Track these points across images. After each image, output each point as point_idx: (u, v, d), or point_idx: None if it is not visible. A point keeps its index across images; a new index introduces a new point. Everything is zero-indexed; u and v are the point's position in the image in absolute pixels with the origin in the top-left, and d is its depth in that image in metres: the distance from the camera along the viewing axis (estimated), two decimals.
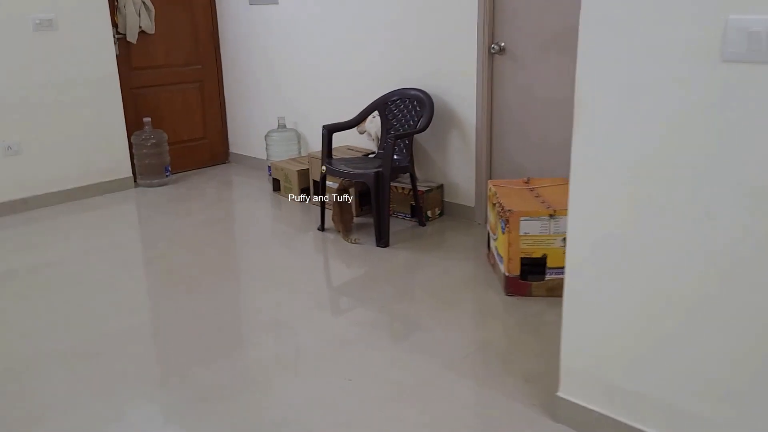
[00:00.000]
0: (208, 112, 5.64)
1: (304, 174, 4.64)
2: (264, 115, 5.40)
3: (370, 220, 4.24)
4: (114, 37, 4.87)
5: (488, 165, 4.02)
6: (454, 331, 2.78)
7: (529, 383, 2.39)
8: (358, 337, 2.75)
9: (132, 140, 5.05)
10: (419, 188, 4.08)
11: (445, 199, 4.27)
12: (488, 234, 3.50)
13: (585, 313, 2.01)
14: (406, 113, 4.10)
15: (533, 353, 2.59)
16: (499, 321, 2.86)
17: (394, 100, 4.16)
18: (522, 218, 2.97)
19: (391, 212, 4.29)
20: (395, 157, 4.06)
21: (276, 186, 4.89)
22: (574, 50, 3.48)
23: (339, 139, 4.67)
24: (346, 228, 3.98)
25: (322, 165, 3.95)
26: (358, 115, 4.21)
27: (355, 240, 3.84)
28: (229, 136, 5.83)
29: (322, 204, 4.06)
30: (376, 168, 3.76)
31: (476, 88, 3.89)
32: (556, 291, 3.04)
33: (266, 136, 5.07)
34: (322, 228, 4.07)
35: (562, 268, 3.00)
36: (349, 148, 4.59)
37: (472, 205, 4.13)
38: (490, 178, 4.05)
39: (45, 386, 2.46)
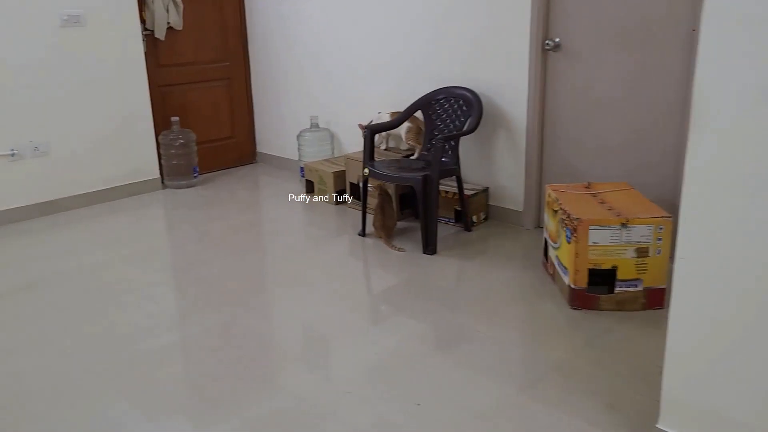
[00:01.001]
0: (236, 111, 5.46)
1: (340, 176, 4.46)
2: (295, 114, 5.22)
3: (411, 224, 4.05)
4: (142, 33, 4.70)
5: (539, 168, 3.83)
6: (519, 348, 2.59)
7: (615, 411, 2.20)
8: (417, 354, 2.57)
9: (159, 140, 4.88)
10: (465, 192, 3.89)
11: (490, 203, 4.08)
12: (545, 241, 3.31)
13: (694, 336, 1.82)
14: (451, 113, 3.91)
15: (612, 375, 2.40)
16: (567, 337, 2.67)
17: (438, 100, 3.97)
18: (591, 227, 2.78)
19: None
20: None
21: (309, 188, 4.71)
22: (637, 47, 3.28)
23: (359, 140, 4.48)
24: (388, 234, 3.80)
25: (364, 167, 3.77)
26: (401, 114, 4.02)
27: (399, 248, 3.65)
28: (256, 136, 5.65)
29: (364, 208, 3.87)
30: (423, 171, 3.57)
31: (528, 87, 3.70)
32: (626, 305, 2.85)
33: (299, 136, 4.88)
34: (362, 233, 3.89)
35: (634, 280, 2.81)
36: (386, 149, 4.40)
37: (520, 209, 3.93)
38: (541, 182, 3.85)
39: (82, 404, 2.29)
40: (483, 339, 2.67)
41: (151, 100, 4.81)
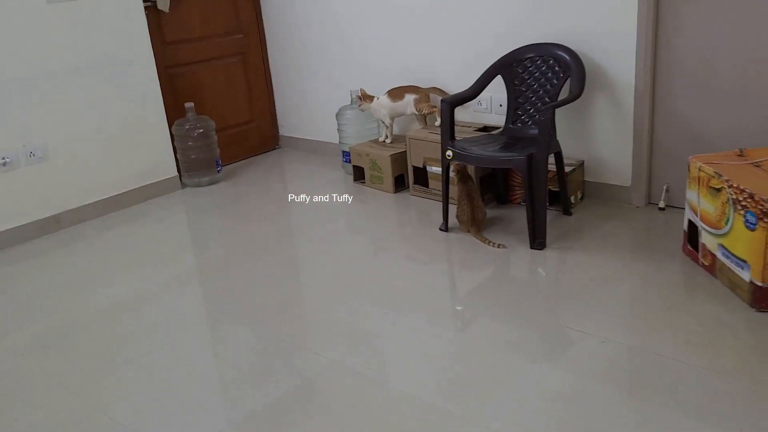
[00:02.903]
0: (253, 91, 4.73)
1: (398, 160, 3.78)
2: (327, 90, 4.51)
3: (497, 212, 3.41)
4: (142, 5, 3.92)
5: (650, 134, 3.20)
6: (711, 375, 1.98)
7: None
8: (589, 391, 1.95)
9: (173, 131, 4.14)
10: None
11: (586, 179, 3.45)
12: (688, 225, 2.70)
13: None
14: (539, 76, 3.24)
15: None
16: (762, 351, 2.08)
17: (522, 61, 3.29)
18: None
19: (518, 200, 3.47)
20: (532, 132, 3.22)
21: (357, 175, 4.03)
22: None
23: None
24: (479, 228, 3.16)
25: (445, 149, 3.10)
26: (477, 81, 3.34)
27: (499, 244, 3.01)
28: (278, 118, 4.93)
29: (446, 198, 3.21)
30: (526, 149, 2.93)
31: (637, 39, 3.05)
32: None
33: (338, 115, 4.18)
34: (445, 228, 3.24)
35: None
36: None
37: (627, 184, 3.31)
38: (652, 151, 3.23)
39: None
40: (661, 363, 2.06)
41: (160, 84, 4.06)
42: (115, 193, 3.89)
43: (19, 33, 3.38)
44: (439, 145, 3.30)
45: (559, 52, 3.16)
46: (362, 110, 3.91)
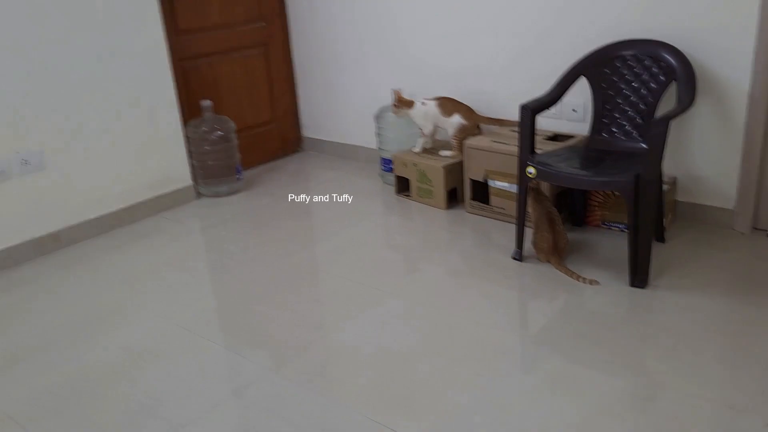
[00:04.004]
0: (275, 87, 4.20)
1: (453, 172, 3.28)
2: (361, 87, 3.98)
3: (573, 237, 2.92)
4: None
5: (763, 151, 2.72)
6: None
7: None
8: None
9: (188, 134, 3.61)
10: None
11: (678, 199, 2.97)
12: None
13: None
14: (632, 79, 2.75)
15: None
16: None
17: (611, 60, 2.79)
18: None
19: (597, 222, 2.99)
20: (624, 144, 2.73)
21: (401, 187, 3.52)
22: None
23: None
24: (562, 258, 2.68)
25: (525, 165, 2.60)
26: (558, 84, 2.84)
27: (591, 280, 2.52)
28: (301, 118, 4.40)
29: (521, 222, 2.72)
30: (631, 168, 2.44)
31: (758, 37, 2.56)
32: None
33: (378, 117, 3.66)
34: (519, 256, 2.75)
35: None
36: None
37: (730, 207, 2.84)
38: (764, 168, 2.75)
39: None
40: None
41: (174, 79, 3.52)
42: (123, 206, 3.36)
43: (7, 19, 2.83)
44: (505, 156, 2.83)
45: (661, 52, 2.67)
46: (399, 116, 3.40)
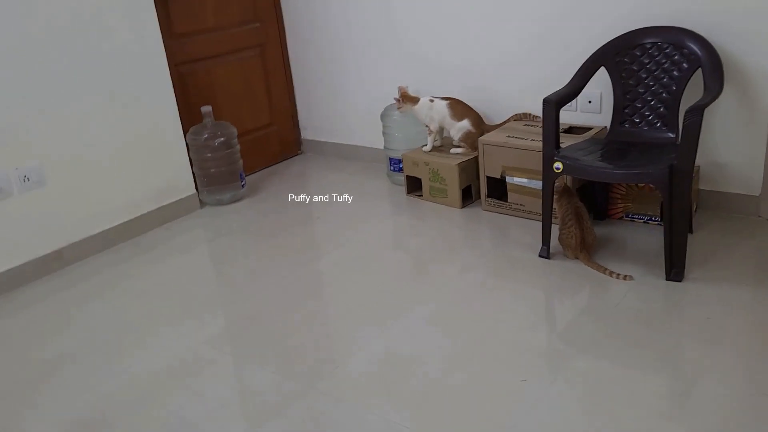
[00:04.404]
0: (273, 88, 4.08)
1: (467, 169, 3.21)
2: (363, 85, 3.88)
3: (596, 231, 2.86)
4: None
5: None
6: None
7: None
8: None
9: (188, 141, 3.48)
10: None
11: (701, 187, 2.93)
12: None
13: None
14: (655, 68, 2.69)
15: None
16: None
17: (632, 49, 2.72)
18: None
19: (620, 215, 2.93)
20: (649, 135, 2.67)
21: (412, 187, 3.44)
22: None
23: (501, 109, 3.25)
24: (590, 253, 2.61)
25: (551, 159, 2.53)
26: (577, 75, 2.77)
27: (625, 276, 2.46)
28: (299, 119, 4.29)
29: (547, 217, 2.65)
30: (664, 159, 2.38)
31: None
32: None
33: (383, 116, 3.57)
34: (546, 254, 2.68)
35: None
36: (527, 123, 3.16)
37: (756, 193, 2.80)
38: None
39: None
40: None
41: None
42: (127, 219, 3.23)
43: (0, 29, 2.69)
44: (522, 151, 2.77)
45: (684, 39, 2.61)
46: (403, 113, 3.32)
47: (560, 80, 2.84)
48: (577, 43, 2.99)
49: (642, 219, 2.88)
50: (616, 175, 2.40)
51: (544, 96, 2.55)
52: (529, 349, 2.10)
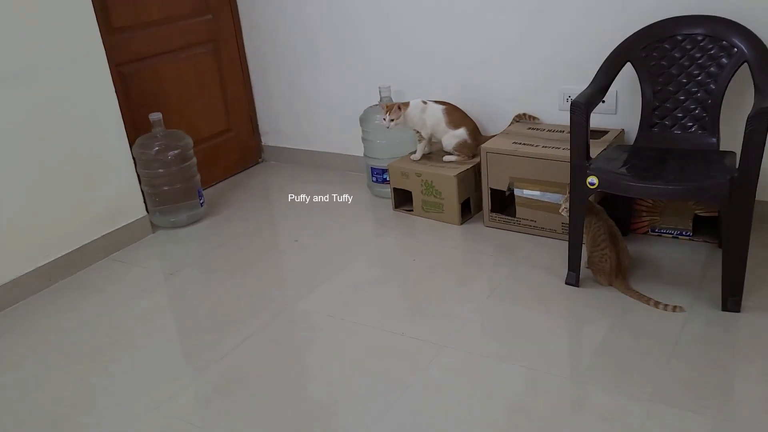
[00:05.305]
0: (229, 90, 3.57)
1: (465, 180, 2.81)
2: (334, 84, 3.43)
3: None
4: None
5: None
6: None
7: None
8: None
9: (136, 154, 2.96)
10: None
11: None
12: None
13: None
14: (688, 64, 2.35)
15: None
16: None
17: (660, 43, 2.38)
18: None
19: (645, 230, 2.60)
20: (687, 140, 2.34)
21: (401, 200, 3.02)
22: None
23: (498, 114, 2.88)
24: (626, 279, 2.27)
25: (582, 173, 2.16)
26: (601, 72, 2.40)
27: (675, 307, 2.12)
28: (260, 124, 3.79)
29: (575, 239, 2.28)
30: (721, 170, 2.05)
31: None
32: None
33: (363, 120, 3.14)
34: (575, 281, 2.31)
35: None
36: (533, 125, 2.80)
37: None
38: None
39: None
40: None
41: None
42: (66, 252, 2.69)
43: None
44: (533, 160, 2.47)
45: (722, 30, 2.28)
46: (393, 126, 2.87)
47: (567, 77, 2.48)
48: (575, 36, 2.64)
49: (670, 234, 2.55)
50: (668, 192, 2.05)
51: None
52: (588, 407, 1.73)
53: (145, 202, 3.01)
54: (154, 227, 3.06)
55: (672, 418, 1.67)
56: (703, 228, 2.51)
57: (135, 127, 3.02)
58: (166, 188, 3.00)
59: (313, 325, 2.23)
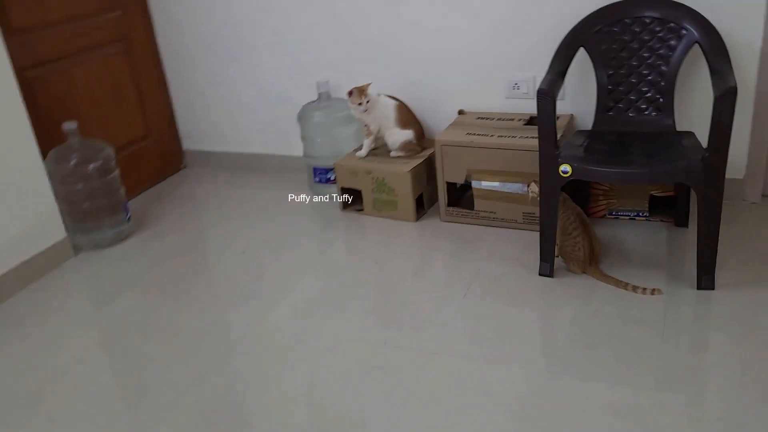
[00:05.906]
0: (144, 91, 3.27)
1: (419, 175, 2.71)
2: (262, 80, 3.21)
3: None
4: None
5: None
6: None
7: None
8: None
9: (49, 168, 2.63)
10: None
11: None
12: None
13: None
14: (637, 47, 2.36)
15: None
16: None
17: (611, 25, 2.37)
18: None
19: (602, 213, 2.60)
20: (648, 123, 2.35)
21: (351, 200, 2.87)
22: None
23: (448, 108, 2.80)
24: (599, 266, 2.25)
25: (553, 161, 2.11)
26: (556, 59, 2.36)
27: (653, 290, 2.12)
28: (179, 127, 3.51)
29: (547, 230, 2.23)
30: (693, 152, 2.05)
31: None
32: None
33: (301, 117, 2.95)
34: (549, 272, 2.26)
35: None
36: (481, 117, 2.73)
37: (740, 176, 2.60)
38: None
39: None
40: None
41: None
42: None
43: None
44: (490, 150, 2.39)
45: (671, 12, 2.30)
46: (359, 112, 2.73)
47: (512, 65, 2.43)
48: (521, 24, 2.60)
49: (627, 215, 2.57)
50: (644, 176, 2.03)
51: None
52: (599, 407, 1.67)
53: (64, 221, 2.68)
54: (77, 249, 2.74)
55: (682, 407, 1.64)
56: (657, 208, 2.53)
57: (47, 138, 2.68)
58: (86, 205, 2.69)
59: (285, 345, 2.04)
